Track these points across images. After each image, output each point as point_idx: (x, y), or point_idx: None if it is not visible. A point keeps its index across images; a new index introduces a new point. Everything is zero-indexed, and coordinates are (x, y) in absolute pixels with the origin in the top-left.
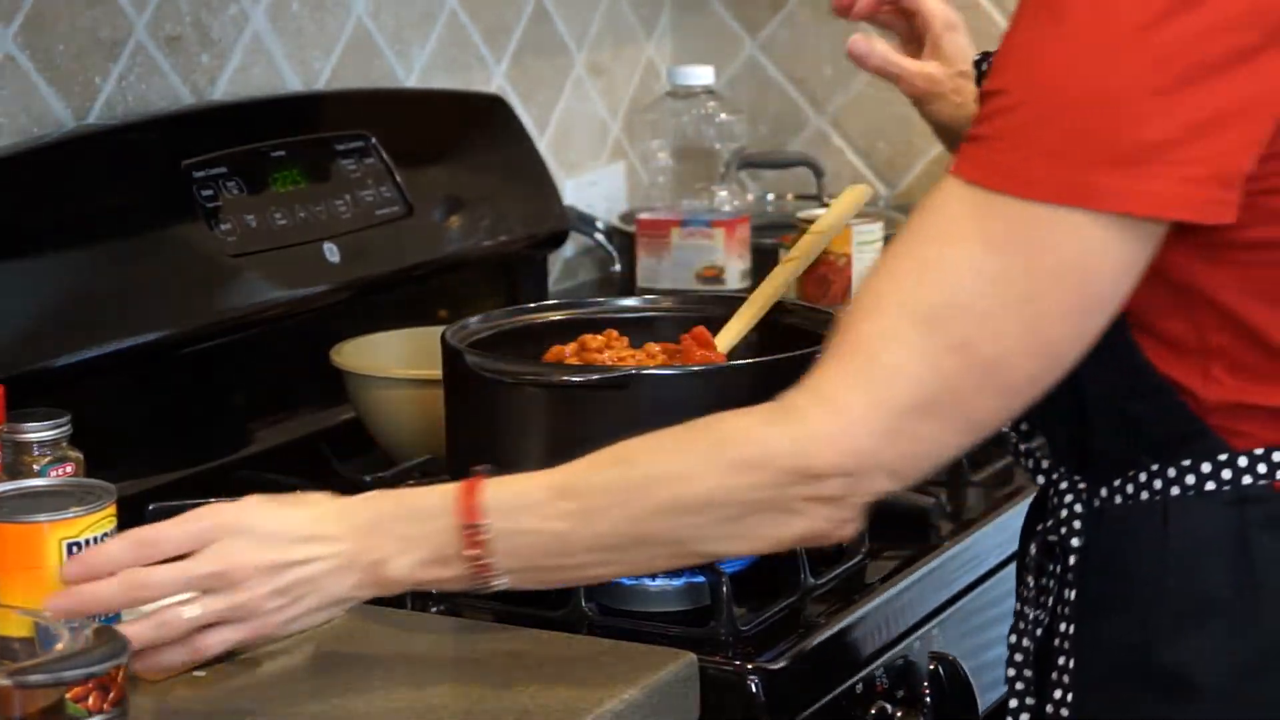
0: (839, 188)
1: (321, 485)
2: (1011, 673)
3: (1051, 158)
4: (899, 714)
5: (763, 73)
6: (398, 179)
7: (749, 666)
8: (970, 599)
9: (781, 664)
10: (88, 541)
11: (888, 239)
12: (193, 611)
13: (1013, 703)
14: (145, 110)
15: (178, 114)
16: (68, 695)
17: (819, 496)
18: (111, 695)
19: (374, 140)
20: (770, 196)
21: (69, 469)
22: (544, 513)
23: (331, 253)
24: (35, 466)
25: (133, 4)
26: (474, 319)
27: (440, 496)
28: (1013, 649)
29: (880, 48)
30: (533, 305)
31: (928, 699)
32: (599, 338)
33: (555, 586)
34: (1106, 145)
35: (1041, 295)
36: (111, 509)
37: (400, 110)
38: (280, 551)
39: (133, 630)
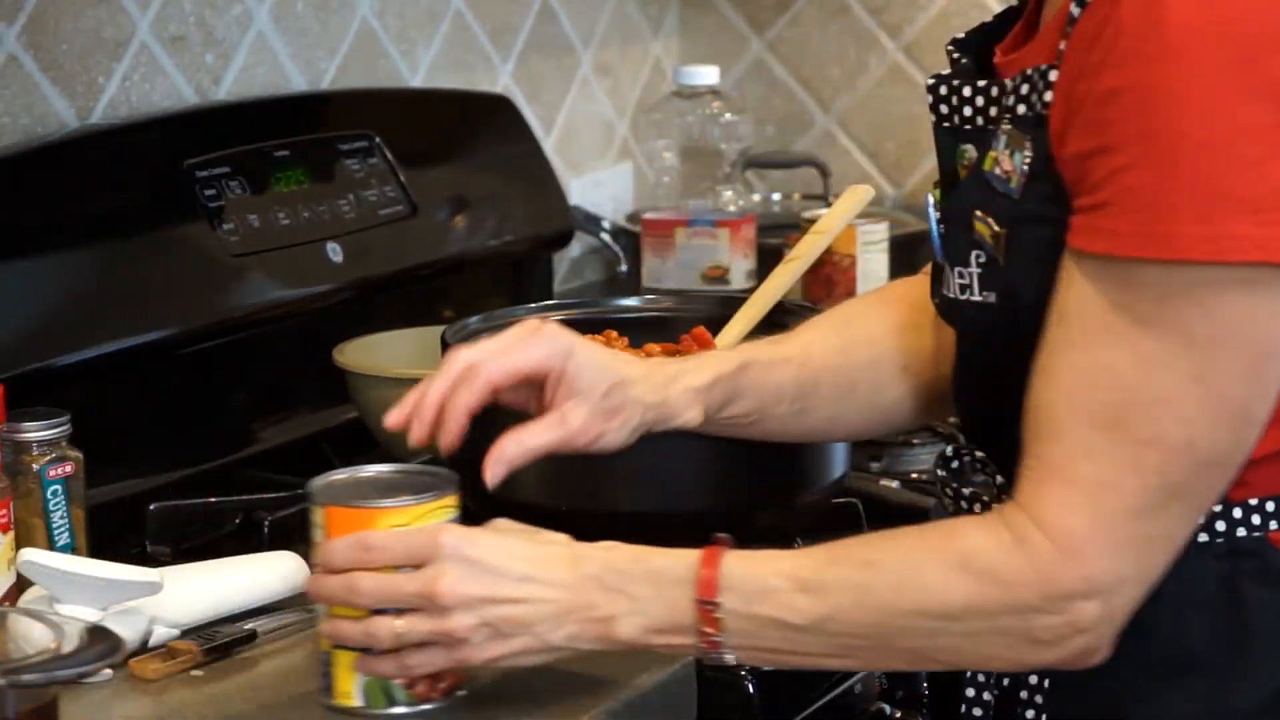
0: (846, 188)
1: None
2: None
3: (1181, 213)
4: (898, 715)
5: (770, 72)
6: (401, 179)
7: (745, 668)
8: None
9: None
10: None
11: (893, 239)
12: (398, 626)
13: None
14: (149, 110)
15: (180, 114)
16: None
17: (1075, 626)
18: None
19: (378, 140)
20: (776, 196)
21: (68, 468)
22: (781, 602)
23: (335, 252)
24: (34, 466)
25: (136, 4)
26: (474, 319)
27: (681, 564)
28: (970, 703)
29: (517, 442)
30: (533, 305)
31: (926, 700)
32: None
33: (784, 668)
34: (1236, 192)
35: (1210, 367)
36: (450, 500)
37: (404, 110)
38: (493, 586)
39: (345, 630)
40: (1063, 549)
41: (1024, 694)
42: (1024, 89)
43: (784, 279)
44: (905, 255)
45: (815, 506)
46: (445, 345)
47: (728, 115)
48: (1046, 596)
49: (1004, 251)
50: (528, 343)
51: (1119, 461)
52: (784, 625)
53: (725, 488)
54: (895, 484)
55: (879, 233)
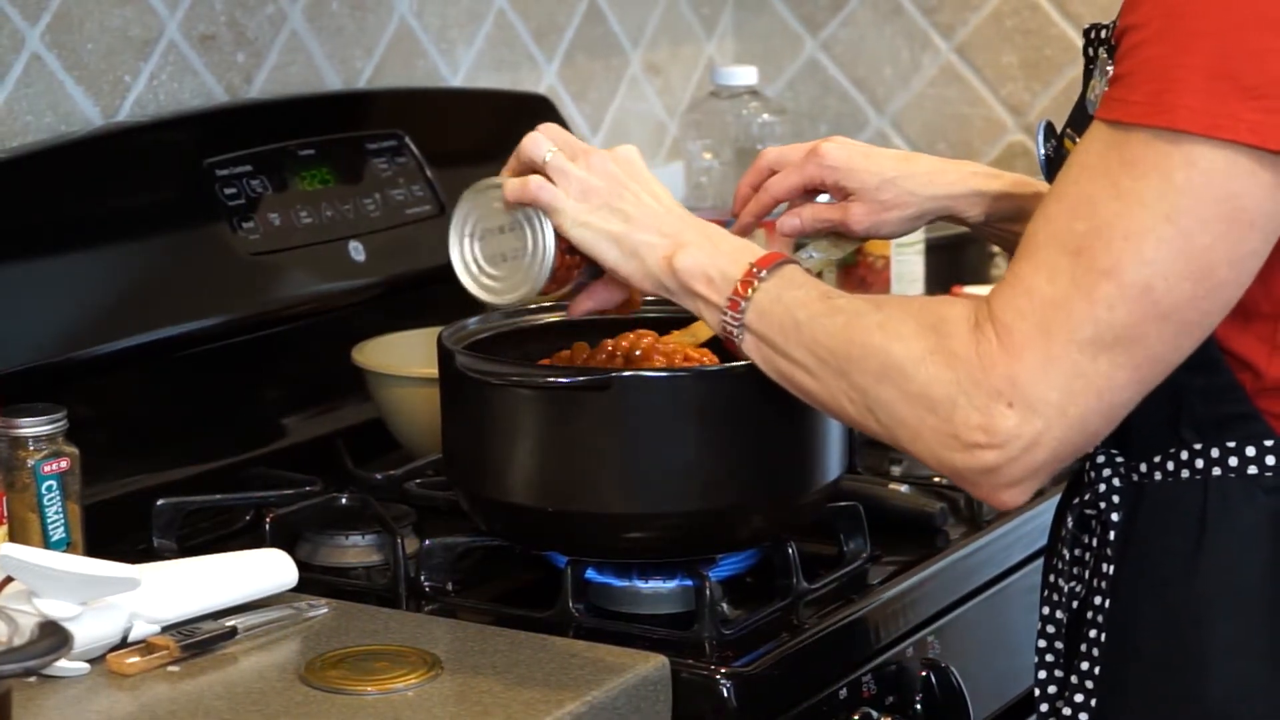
0: None
1: (341, 482)
2: (1042, 644)
3: (1185, 88)
4: None
5: (823, 73)
6: (430, 178)
7: (721, 670)
8: (972, 608)
9: (756, 668)
10: None
11: (930, 242)
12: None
13: (1040, 674)
14: (172, 109)
15: (203, 113)
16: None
17: (990, 432)
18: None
19: (407, 139)
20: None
21: (63, 464)
22: (801, 299)
23: (357, 251)
24: (29, 461)
25: (164, 3)
26: (472, 320)
27: (760, 250)
28: (1044, 620)
29: (811, 210)
30: (532, 305)
31: (918, 706)
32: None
33: (772, 375)
34: (1242, 77)
35: (1183, 208)
36: None
37: (436, 109)
38: (633, 181)
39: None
40: (1003, 343)
41: (1089, 614)
42: (1118, 19)
43: None
44: (946, 258)
45: (812, 508)
46: (441, 346)
47: (765, 116)
48: (977, 383)
49: None
50: (804, 162)
51: (1074, 286)
52: (790, 319)
53: (716, 489)
54: (904, 488)
55: (914, 234)
